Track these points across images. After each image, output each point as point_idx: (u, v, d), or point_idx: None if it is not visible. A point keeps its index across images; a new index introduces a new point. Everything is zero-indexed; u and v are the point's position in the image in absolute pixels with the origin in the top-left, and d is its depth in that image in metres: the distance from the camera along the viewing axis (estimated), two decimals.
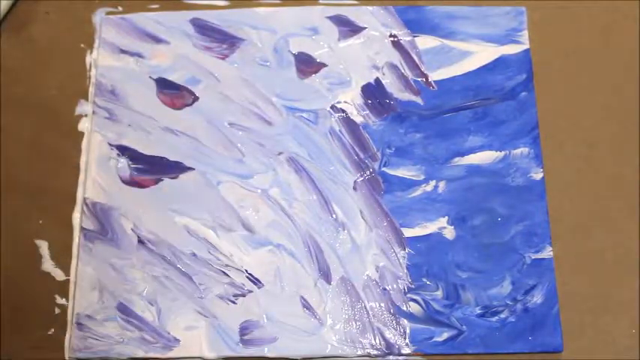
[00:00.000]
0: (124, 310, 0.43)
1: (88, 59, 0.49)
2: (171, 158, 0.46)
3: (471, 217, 0.44)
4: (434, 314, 0.42)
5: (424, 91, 0.47)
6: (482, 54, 0.47)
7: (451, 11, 0.48)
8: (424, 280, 0.43)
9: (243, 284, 0.43)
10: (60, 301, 0.44)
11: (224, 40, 0.48)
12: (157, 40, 0.48)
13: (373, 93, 0.47)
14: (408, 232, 0.44)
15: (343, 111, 0.46)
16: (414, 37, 0.48)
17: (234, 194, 0.45)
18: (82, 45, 0.49)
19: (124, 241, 0.44)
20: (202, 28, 0.48)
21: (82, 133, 0.47)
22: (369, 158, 0.45)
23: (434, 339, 0.42)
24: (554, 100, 0.47)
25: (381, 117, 0.46)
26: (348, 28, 0.48)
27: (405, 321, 0.42)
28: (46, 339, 0.43)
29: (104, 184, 0.45)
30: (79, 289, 0.43)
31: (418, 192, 0.45)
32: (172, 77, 0.47)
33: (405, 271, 0.43)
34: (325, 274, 0.43)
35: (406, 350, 0.42)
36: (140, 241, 0.44)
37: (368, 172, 0.45)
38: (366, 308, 0.42)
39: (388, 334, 0.42)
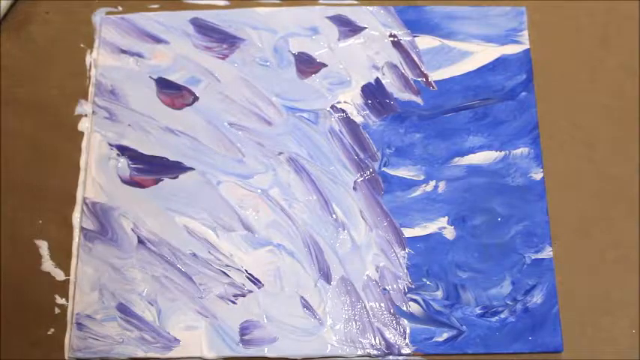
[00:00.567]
0: (123, 310, 0.43)
1: (88, 59, 0.49)
2: (171, 158, 0.46)
3: (471, 217, 0.44)
4: (434, 314, 0.42)
5: (424, 91, 0.47)
6: (482, 54, 0.47)
7: (451, 11, 0.48)
8: (424, 280, 0.43)
9: (243, 284, 0.43)
10: (60, 301, 0.44)
11: (224, 40, 0.48)
12: (157, 40, 0.48)
13: (373, 93, 0.47)
14: (408, 232, 0.44)
15: (343, 111, 0.46)
16: (414, 37, 0.48)
17: (234, 194, 0.45)
18: (82, 45, 0.49)
19: (124, 241, 0.44)
20: (202, 28, 0.48)
21: (82, 133, 0.47)
22: (369, 158, 0.45)
23: (434, 339, 0.42)
24: (554, 100, 0.47)
25: (381, 117, 0.46)
26: (348, 28, 0.48)
27: (405, 321, 0.42)
28: (45, 339, 0.43)
29: (104, 184, 0.45)
30: (79, 289, 0.43)
31: (418, 192, 0.45)
32: (172, 77, 0.47)
33: (405, 271, 0.43)
34: (325, 274, 0.43)
35: (406, 350, 0.42)
36: (140, 241, 0.44)
37: (368, 172, 0.45)
38: (366, 308, 0.42)
39: (388, 334, 0.42)
